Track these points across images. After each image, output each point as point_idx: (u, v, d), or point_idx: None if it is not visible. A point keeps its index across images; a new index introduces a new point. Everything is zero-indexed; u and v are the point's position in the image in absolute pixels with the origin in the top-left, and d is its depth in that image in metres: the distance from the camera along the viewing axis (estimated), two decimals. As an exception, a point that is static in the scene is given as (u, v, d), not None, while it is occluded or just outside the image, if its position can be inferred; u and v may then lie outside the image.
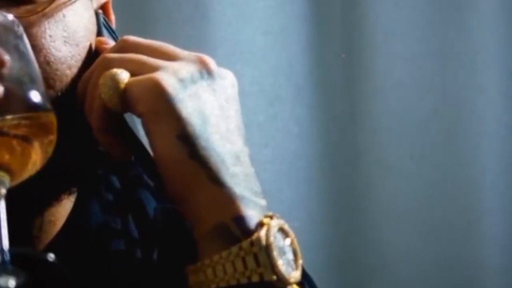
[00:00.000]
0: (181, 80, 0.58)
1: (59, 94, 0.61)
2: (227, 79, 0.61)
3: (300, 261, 0.58)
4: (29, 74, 0.53)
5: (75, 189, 0.66)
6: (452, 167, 1.48)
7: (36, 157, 0.53)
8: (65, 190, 0.65)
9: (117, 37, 0.67)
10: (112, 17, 0.70)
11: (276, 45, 1.40)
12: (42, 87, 0.54)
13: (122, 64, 0.59)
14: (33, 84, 0.53)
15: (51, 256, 0.48)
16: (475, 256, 1.48)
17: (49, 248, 0.65)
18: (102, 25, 0.66)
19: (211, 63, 0.60)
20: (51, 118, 0.53)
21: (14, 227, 0.50)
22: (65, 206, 0.66)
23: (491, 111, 1.48)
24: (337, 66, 1.45)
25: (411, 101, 1.47)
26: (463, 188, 1.48)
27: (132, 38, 0.62)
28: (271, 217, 0.58)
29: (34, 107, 0.52)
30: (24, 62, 0.53)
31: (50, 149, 0.54)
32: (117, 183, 0.72)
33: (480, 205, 1.48)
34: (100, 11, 0.68)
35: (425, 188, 1.48)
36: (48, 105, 0.53)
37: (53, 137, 0.54)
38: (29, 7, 0.60)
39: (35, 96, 0.52)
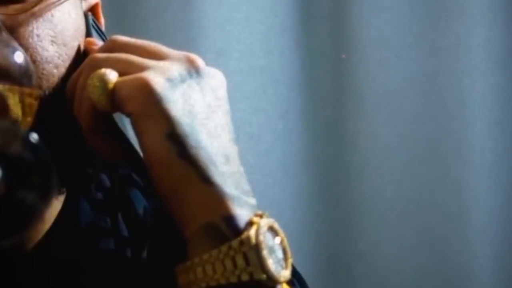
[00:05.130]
0: (170, 80, 0.58)
1: (47, 93, 0.61)
2: (216, 78, 0.61)
3: (290, 260, 0.58)
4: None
5: (64, 189, 0.66)
6: (440, 162, 1.48)
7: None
8: None
9: (106, 38, 0.67)
10: (102, 20, 0.70)
11: (265, 45, 1.40)
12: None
13: (110, 64, 0.59)
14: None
15: (34, 137, 0.45)
16: (465, 257, 1.49)
17: (38, 247, 0.65)
18: (91, 26, 0.66)
19: (200, 62, 0.60)
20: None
21: None
22: (54, 205, 0.66)
23: (479, 110, 1.49)
24: (325, 65, 1.45)
25: (400, 97, 1.47)
26: (451, 183, 1.48)
27: (121, 38, 0.62)
28: (260, 216, 0.58)
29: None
30: None
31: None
32: (107, 182, 0.72)
33: (468, 203, 1.49)
34: (89, 13, 0.68)
35: (413, 182, 1.48)
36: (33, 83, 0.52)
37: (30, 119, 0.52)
38: (17, 6, 0.60)
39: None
